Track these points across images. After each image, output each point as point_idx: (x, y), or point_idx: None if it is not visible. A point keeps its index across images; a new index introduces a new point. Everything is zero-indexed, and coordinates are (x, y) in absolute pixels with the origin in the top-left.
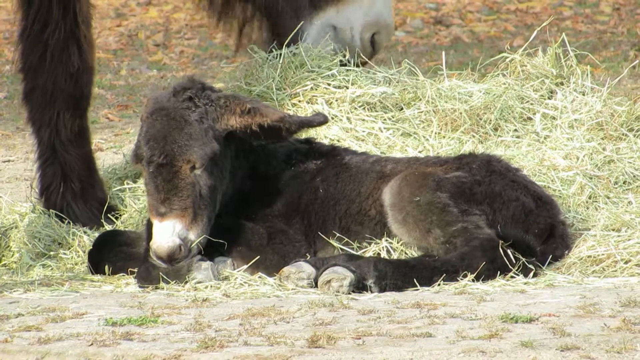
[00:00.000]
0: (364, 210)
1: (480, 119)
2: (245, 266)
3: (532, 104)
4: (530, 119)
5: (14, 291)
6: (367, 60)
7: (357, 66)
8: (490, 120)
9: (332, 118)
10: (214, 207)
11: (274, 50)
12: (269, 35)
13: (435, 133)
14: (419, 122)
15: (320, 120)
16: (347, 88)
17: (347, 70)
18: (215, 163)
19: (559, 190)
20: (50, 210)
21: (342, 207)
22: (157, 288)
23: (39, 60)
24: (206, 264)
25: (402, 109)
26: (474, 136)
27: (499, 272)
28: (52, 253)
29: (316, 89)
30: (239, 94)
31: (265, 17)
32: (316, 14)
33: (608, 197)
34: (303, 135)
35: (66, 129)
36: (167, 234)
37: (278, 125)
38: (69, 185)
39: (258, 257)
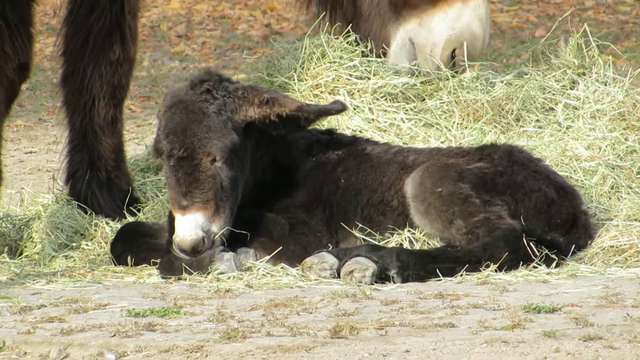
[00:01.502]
0: (386, 200)
1: (502, 110)
2: (268, 257)
3: (554, 94)
4: (552, 109)
5: (37, 282)
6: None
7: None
8: (512, 110)
9: (354, 109)
10: (235, 198)
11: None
12: (347, 23)
13: (458, 124)
14: (441, 112)
15: (338, 108)
16: (369, 79)
17: (369, 61)
18: (235, 154)
19: (581, 181)
20: (73, 200)
21: (363, 197)
22: (179, 279)
23: (81, 45)
24: (228, 255)
25: (424, 99)
26: (496, 127)
27: (521, 262)
28: (74, 244)
29: (338, 80)
30: (257, 85)
31: (356, 16)
32: (398, 22)
33: (630, 187)
34: (323, 124)
35: (99, 116)
36: (190, 227)
37: (296, 114)
38: (95, 173)
39: (280, 247)
